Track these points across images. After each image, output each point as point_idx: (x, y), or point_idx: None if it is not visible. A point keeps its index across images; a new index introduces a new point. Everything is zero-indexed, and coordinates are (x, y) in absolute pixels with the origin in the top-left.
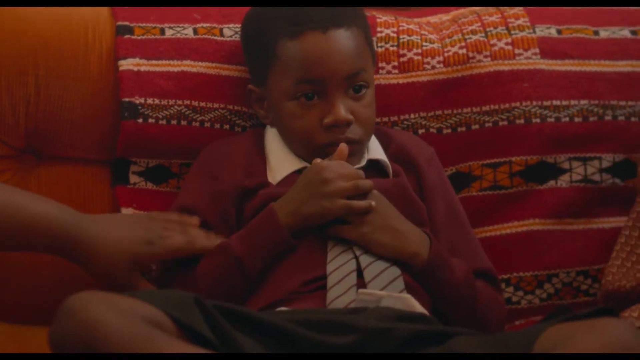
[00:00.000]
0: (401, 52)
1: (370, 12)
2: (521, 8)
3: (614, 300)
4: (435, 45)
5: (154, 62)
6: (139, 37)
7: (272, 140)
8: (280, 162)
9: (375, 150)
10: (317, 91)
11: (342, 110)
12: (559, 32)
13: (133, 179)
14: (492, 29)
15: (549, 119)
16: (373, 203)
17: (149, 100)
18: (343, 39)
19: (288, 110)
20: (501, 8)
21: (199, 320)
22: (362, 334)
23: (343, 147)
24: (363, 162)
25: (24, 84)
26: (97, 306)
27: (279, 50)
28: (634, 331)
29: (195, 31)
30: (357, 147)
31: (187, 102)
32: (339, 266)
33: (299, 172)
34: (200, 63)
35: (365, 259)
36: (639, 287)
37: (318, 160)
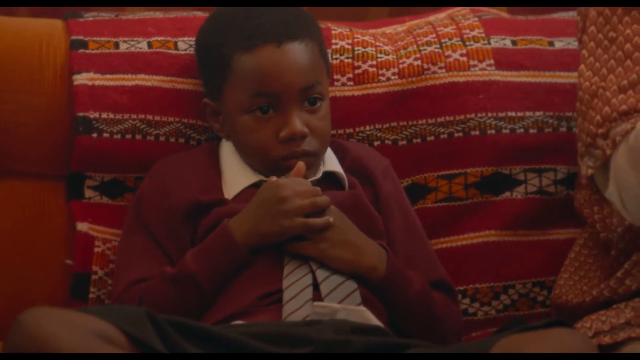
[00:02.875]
0: (356, 64)
1: (325, 24)
2: (476, 19)
3: (563, 313)
4: (390, 57)
5: (108, 76)
6: (93, 51)
7: (227, 154)
8: (236, 176)
9: (331, 162)
10: (272, 104)
11: (298, 123)
12: (514, 43)
13: (88, 193)
14: (447, 40)
15: (504, 130)
16: (331, 219)
17: (104, 115)
18: (297, 52)
19: (243, 123)
20: (456, 19)
21: (151, 334)
22: (316, 346)
23: (300, 165)
24: (319, 175)
25: None
26: (49, 322)
27: (233, 64)
28: (586, 342)
29: (149, 45)
30: (314, 159)
31: (141, 116)
32: (295, 281)
33: (254, 185)
34: (154, 77)
35: (321, 273)
36: (585, 303)
37: (274, 178)
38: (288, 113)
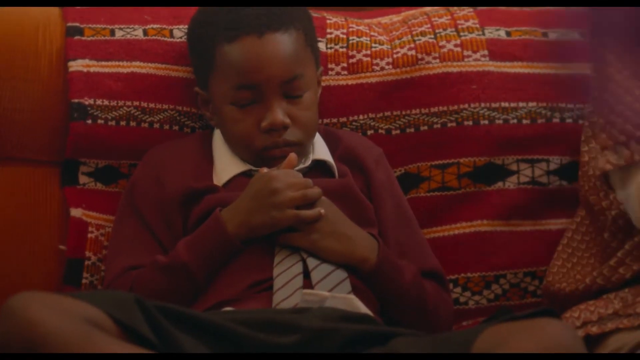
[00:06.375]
0: (350, 53)
1: (320, 13)
2: (471, 10)
3: (555, 300)
4: (384, 47)
5: (103, 63)
6: (89, 38)
7: (219, 142)
8: (226, 164)
9: (321, 150)
10: (254, 95)
11: (279, 114)
12: (508, 34)
13: (82, 179)
14: (441, 30)
15: (497, 121)
16: (322, 211)
17: (99, 101)
18: (279, 43)
19: (227, 113)
20: (451, 9)
21: (139, 320)
22: (305, 333)
23: (292, 156)
24: (308, 162)
25: None
26: (37, 306)
27: (217, 55)
28: (571, 332)
29: (145, 32)
30: (297, 149)
31: (136, 103)
32: (286, 269)
33: (244, 174)
34: (149, 64)
35: (312, 262)
36: (578, 291)
37: (265, 169)
38: (269, 104)
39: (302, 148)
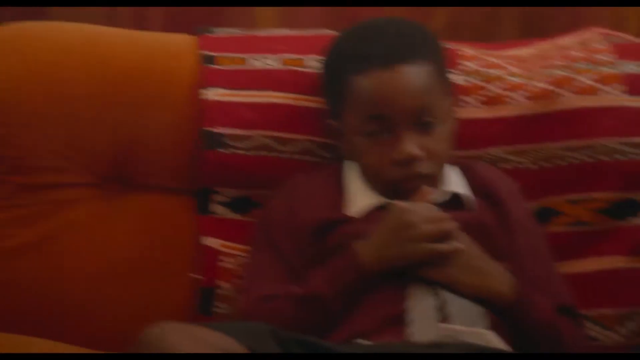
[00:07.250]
0: (485, 85)
1: (453, 45)
2: (606, 43)
3: None
4: (519, 80)
5: (237, 92)
6: (223, 67)
7: (352, 173)
8: (359, 196)
9: (457, 183)
10: (385, 127)
11: (410, 146)
12: None
13: (215, 208)
14: (577, 64)
15: (631, 156)
16: (459, 245)
17: (233, 131)
18: (408, 74)
19: (358, 145)
20: (586, 42)
21: (275, 351)
22: None
23: (428, 189)
24: (446, 197)
25: (110, 112)
26: (174, 337)
27: (347, 87)
28: None
29: (279, 62)
30: (429, 181)
31: (270, 133)
32: (420, 302)
33: (378, 206)
34: (284, 94)
35: (447, 296)
36: None
37: (400, 203)
38: (400, 136)
39: (433, 181)
